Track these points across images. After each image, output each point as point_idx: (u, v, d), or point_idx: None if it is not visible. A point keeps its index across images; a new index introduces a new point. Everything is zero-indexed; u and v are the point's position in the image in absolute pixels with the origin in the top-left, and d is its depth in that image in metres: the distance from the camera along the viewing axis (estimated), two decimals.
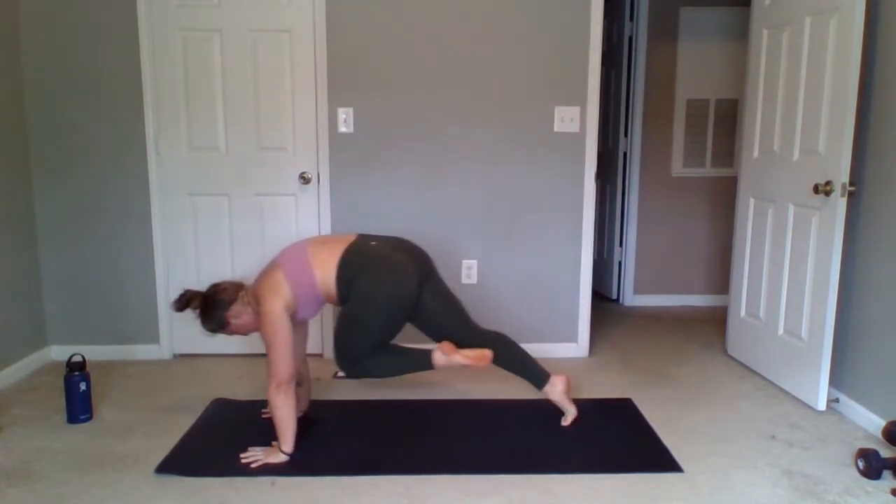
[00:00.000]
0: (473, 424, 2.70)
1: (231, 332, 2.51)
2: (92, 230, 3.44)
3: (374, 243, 2.52)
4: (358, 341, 2.46)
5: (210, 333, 2.53)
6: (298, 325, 2.61)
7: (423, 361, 2.55)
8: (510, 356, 2.67)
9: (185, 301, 2.45)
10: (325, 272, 2.44)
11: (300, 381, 2.70)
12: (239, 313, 2.45)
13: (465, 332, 2.63)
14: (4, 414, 2.82)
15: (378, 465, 2.35)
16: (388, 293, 2.42)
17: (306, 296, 2.44)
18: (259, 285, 2.44)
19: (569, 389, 2.70)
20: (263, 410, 2.77)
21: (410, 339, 2.83)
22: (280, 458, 2.35)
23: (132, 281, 3.48)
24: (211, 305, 2.44)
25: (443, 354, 2.53)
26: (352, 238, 2.53)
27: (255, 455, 2.37)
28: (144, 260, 3.46)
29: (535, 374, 2.67)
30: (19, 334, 3.28)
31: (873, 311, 2.67)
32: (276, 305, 2.36)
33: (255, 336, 3.56)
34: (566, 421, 2.68)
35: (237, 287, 2.49)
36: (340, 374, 3.30)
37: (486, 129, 3.42)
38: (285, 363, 2.34)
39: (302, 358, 2.71)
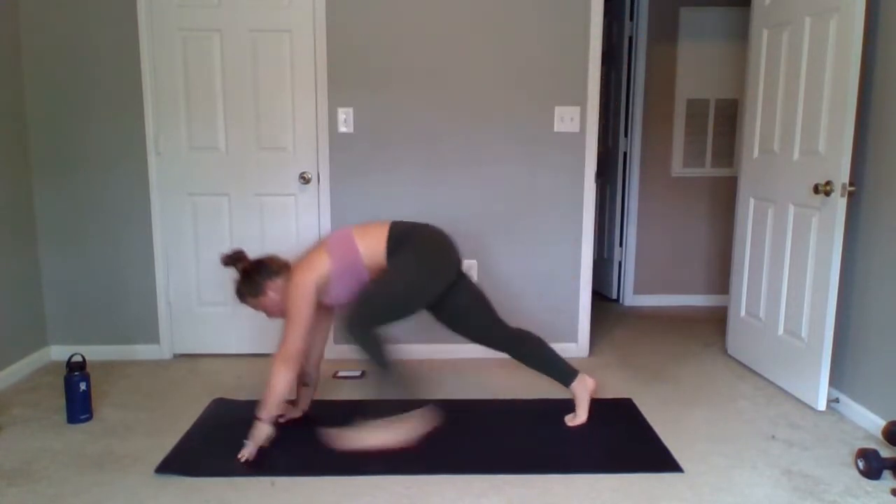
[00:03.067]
0: (474, 424, 2.69)
1: (261, 307, 2.51)
2: (92, 230, 3.44)
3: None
4: (380, 301, 2.40)
5: (240, 300, 2.52)
6: (325, 315, 2.64)
7: (410, 390, 2.48)
8: (538, 356, 2.65)
9: (234, 258, 2.49)
10: (373, 241, 2.46)
11: (307, 381, 2.71)
12: (279, 288, 2.48)
13: (492, 330, 2.63)
14: (4, 414, 2.82)
15: (378, 465, 2.35)
16: (433, 262, 2.44)
17: (347, 270, 2.43)
18: (299, 261, 2.47)
19: (595, 391, 2.71)
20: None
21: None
22: (260, 429, 2.35)
23: (132, 281, 3.48)
24: (257, 270, 2.48)
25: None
26: (390, 221, 2.57)
27: (246, 450, 2.36)
28: (144, 260, 3.46)
29: (564, 372, 2.66)
30: (19, 334, 3.28)
31: (873, 311, 2.67)
32: (308, 279, 2.38)
33: (257, 335, 3.56)
34: (571, 421, 2.67)
35: (286, 264, 2.53)
36: (341, 373, 3.31)
37: (486, 129, 3.42)
38: (298, 338, 2.36)
39: (317, 358, 2.73)
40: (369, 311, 2.39)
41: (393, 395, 2.41)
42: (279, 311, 2.53)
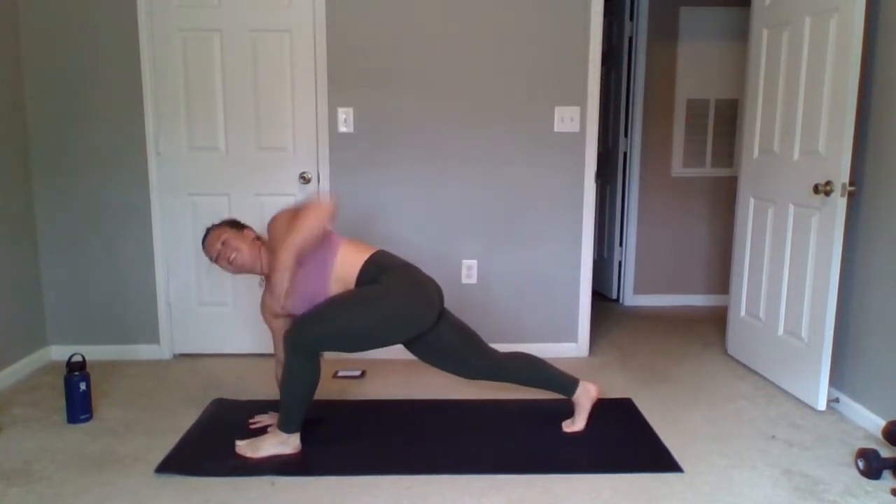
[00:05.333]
0: (473, 424, 2.70)
1: (232, 241, 2.44)
2: (92, 230, 3.44)
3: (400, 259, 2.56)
4: (340, 325, 2.31)
5: (214, 227, 2.51)
6: (284, 323, 2.56)
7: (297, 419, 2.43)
8: (535, 376, 2.61)
9: (238, 222, 2.56)
10: (352, 257, 2.42)
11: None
12: (254, 245, 2.47)
13: (482, 361, 2.56)
14: (4, 414, 2.82)
15: (378, 465, 2.36)
16: (409, 304, 2.38)
17: (314, 271, 2.38)
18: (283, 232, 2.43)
19: (597, 397, 2.66)
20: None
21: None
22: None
23: (132, 281, 3.48)
24: (234, 226, 2.53)
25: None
26: (377, 249, 2.52)
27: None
28: (144, 260, 3.46)
29: (564, 385, 2.62)
30: (19, 334, 3.28)
31: (873, 310, 2.67)
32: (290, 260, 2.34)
33: (257, 335, 3.56)
34: (568, 428, 2.64)
35: (256, 235, 2.56)
36: (341, 373, 3.31)
37: (487, 129, 3.42)
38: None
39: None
40: (325, 328, 2.31)
41: (286, 411, 2.40)
42: (241, 252, 2.43)
